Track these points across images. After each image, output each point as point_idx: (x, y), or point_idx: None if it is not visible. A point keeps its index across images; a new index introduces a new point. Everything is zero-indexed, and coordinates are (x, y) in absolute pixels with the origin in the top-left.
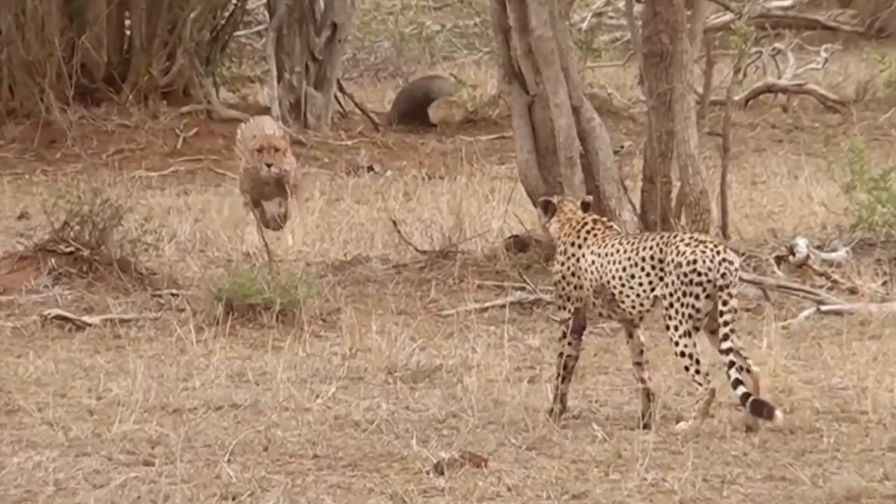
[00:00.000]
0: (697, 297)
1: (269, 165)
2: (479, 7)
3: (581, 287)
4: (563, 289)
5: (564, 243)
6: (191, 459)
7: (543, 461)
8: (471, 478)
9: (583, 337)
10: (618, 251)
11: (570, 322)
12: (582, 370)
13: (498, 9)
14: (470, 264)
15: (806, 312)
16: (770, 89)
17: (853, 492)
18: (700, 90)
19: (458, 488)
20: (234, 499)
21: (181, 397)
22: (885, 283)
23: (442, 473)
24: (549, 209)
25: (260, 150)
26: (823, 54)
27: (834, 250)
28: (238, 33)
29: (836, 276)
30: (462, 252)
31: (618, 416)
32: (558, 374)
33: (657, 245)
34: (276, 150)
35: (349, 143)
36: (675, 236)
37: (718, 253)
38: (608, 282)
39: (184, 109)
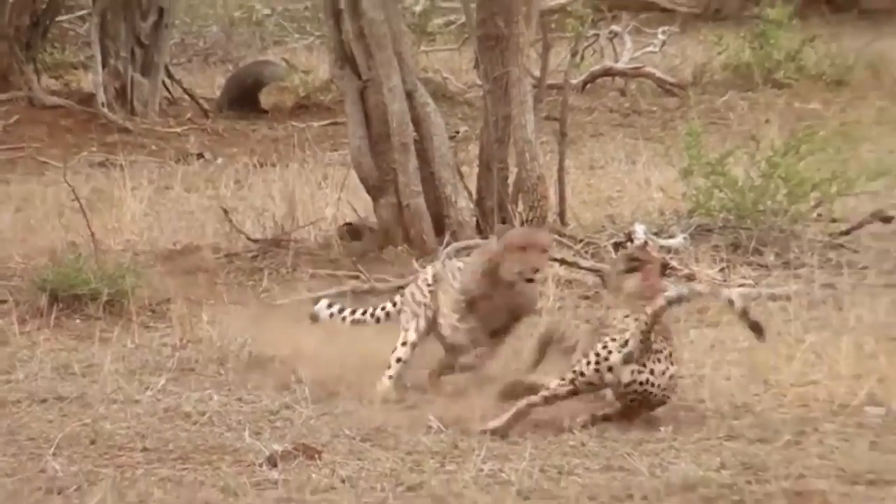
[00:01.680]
0: None
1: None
2: None
3: None
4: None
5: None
6: (14, 453)
7: (378, 452)
8: (304, 470)
9: None
10: None
11: None
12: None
13: None
14: (303, 253)
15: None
16: (607, 73)
17: (690, 481)
18: (537, 74)
19: (292, 480)
20: (59, 493)
21: (4, 390)
22: (722, 270)
23: (275, 465)
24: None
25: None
26: (661, 37)
27: (672, 236)
28: (60, 18)
29: (673, 263)
30: (295, 240)
31: (455, 407)
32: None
33: None
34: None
35: (178, 130)
36: None
37: None
38: None
39: (3, 97)
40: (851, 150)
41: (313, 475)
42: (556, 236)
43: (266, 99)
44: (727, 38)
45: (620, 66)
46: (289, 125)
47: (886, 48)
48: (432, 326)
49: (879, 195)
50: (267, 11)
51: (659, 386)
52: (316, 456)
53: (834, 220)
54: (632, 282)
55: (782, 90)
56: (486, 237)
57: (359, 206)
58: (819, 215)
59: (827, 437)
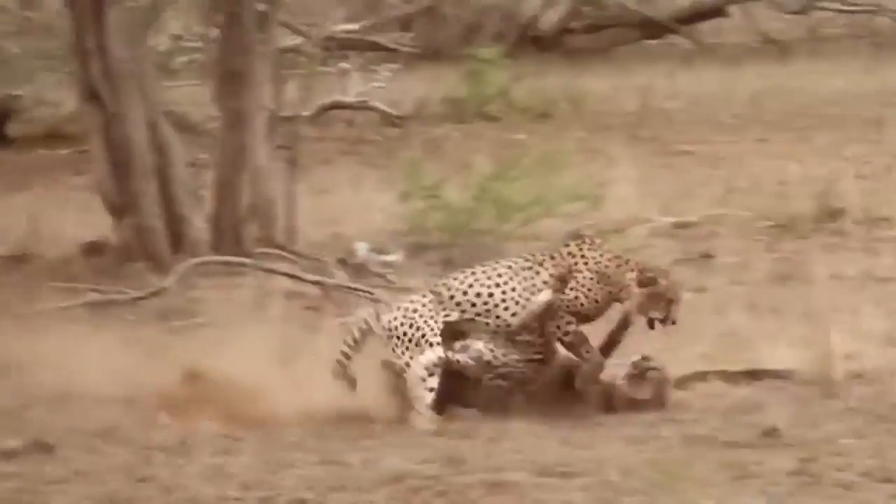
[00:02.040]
0: None
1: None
2: (59, 31)
3: None
4: None
5: None
6: None
7: (112, 448)
8: (39, 464)
9: None
10: None
11: None
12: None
13: (77, 33)
14: (46, 268)
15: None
16: (336, 106)
17: (399, 473)
18: (271, 107)
19: (27, 473)
20: None
21: None
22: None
23: (11, 459)
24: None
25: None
26: (385, 74)
27: (390, 253)
28: None
29: (391, 276)
30: (39, 257)
31: (184, 403)
32: None
33: None
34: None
35: None
36: None
37: None
38: None
39: None
40: (553, 176)
41: (48, 468)
42: (284, 253)
43: (14, 129)
44: (444, 75)
45: (348, 100)
46: (37, 153)
47: (586, 85)
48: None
49: (577, 216)
50: (17, 50)
51: None
52: (51, 451)
53: (537, 239)
54: None
55: (493, 122)
56: (221, 254)
57: (100, 225)
58: (523, 235)
59: (522, 434)
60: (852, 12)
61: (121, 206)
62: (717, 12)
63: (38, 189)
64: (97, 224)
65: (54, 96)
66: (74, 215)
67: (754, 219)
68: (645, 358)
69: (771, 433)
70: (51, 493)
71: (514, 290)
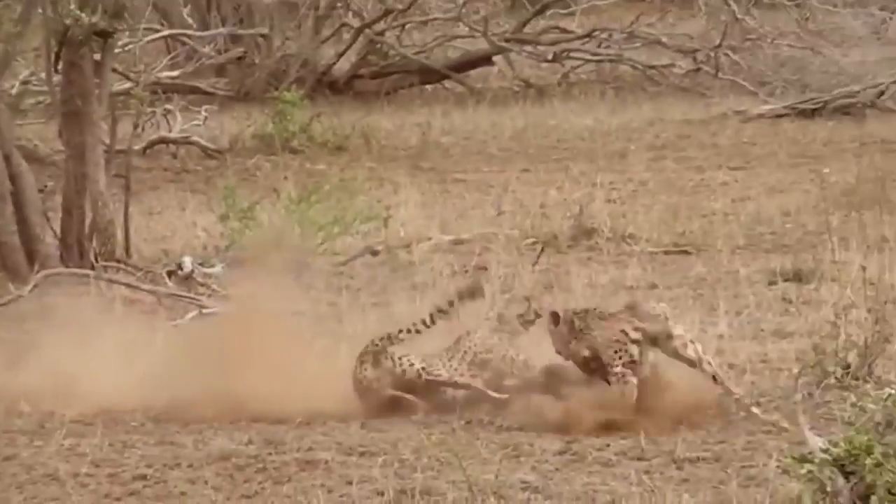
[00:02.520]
0: None
1: None
2: None
3: None
4: None
5: None
6: None
7: None
8: None
9: None
10: None
11: None
12: None
13: None
14: None
15: (191, 314)
16: (162, 140)
17: (225, 453)
18: (108, 141)
19: None
20: None
21: None
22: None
23: None
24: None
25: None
26: (204, 113)
27: (212, 266)
28: None
29: (214, 286)
30: None
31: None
32: None
33: None
34: None
35: None
36: None
37: None
38: None
39: None
40: (349, 200)
41: None
42: (122, 266)
43: None
44: (254, 114)
45: (172, 135)
46: None
47: (374, 122)
48: None
49: (370, 234)
50: None
51: None
52: None
53: (336, 254)
54: None
55: (297, 154)
56: (68, 267)
57: None
58: (324, 250)
59: (330, 419)
60: (599, 61)
61: None
62: (484, 61)
63: None
64: None
65: None
66: None
67: (521, 237)
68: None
69: None
70: None
71: None
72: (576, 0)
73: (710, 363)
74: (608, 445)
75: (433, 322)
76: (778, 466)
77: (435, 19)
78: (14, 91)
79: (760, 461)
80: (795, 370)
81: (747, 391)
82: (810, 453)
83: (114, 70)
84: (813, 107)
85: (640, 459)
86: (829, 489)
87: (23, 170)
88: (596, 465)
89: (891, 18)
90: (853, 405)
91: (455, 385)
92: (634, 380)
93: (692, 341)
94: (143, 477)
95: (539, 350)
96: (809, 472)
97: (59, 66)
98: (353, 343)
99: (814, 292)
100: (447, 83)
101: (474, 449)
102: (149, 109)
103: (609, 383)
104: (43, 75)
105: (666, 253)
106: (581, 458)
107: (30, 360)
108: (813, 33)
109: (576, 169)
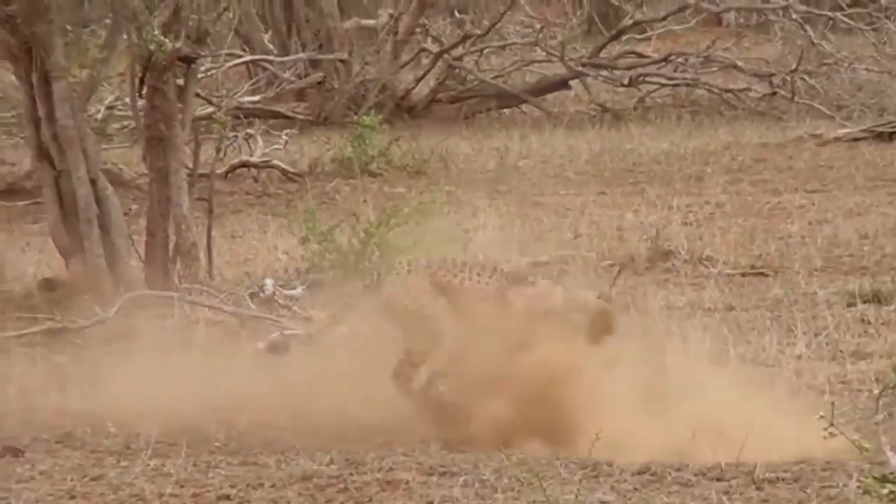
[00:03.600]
0: None
1: None
2: (15, 102)
3: None
4: None
5: None
6: None
7: (69, 452)
8: (10, 466)
9: None
10: None
11: None
12: None
13: (29, 104)
14: (9, 300)
15: (273, 335)
16: (244, 164)
17: (307, 473)
18: (191, 165)
19: (0, 472)
20: None
21: None
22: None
23: None
24: None
25: None
26: (284, 137)
27: (294, 288)
28: None
29: (295, 308)
30: (3, 291)
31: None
32: None
33: None
34: None
35: None
36: None
37: None
38: None
39: None
40: (428, 223)
41: (17, 469)
42: (205, 288)
43: None
44: (334, 138)
45: (254, 159)
46: None
47: (452, 145)
48: None
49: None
50: None
51: None
52: (19, 454)
53: None
54: None
55: (376, 178)
56: (152, 289)
57: (53, 264)
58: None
59: (412, 438)
60: (675, 85)
61: (70, 248)
62: (561, 85)
63: (1, 235)
64: (52, 264)
65: (12, 157)
66: (33, 256)
67: (598, 259)
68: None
69: None
70: (19, 490)
71: None
72: (651, 25)
73: None
74: (687, 465)
75: None
76: (859, 487)
77: (513, 44)
78: (100, 116)
79: (840, 481)
80: (875, 391)
81: (826, 412)
82: (891, 473)
83: (197, 95)
84: (891, 130)
85: (719, 480)
86: None
87: (108, 193)
88: (675, 486)
89: None
90: None
91: None
92: None
93: None
94: (227, 497)
95: None
96: (891, 492)
97: (143, 92)
98: None
99: (893, 314)
100: (524, 107)
101: (554, 469)
102: (231, 134)
103: None
104: (127, 100)
105: (743, 275)
106: (660, 478)
107: (115, 380)
108: (890, 57)
109: (652, 192)
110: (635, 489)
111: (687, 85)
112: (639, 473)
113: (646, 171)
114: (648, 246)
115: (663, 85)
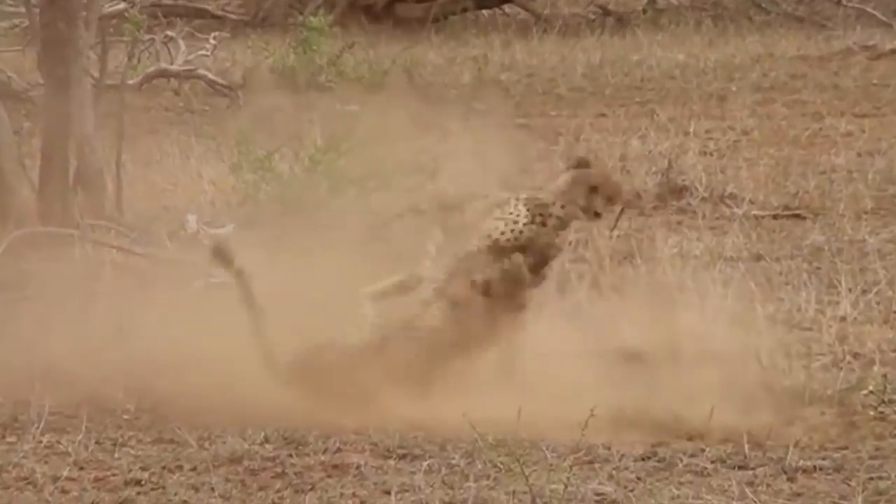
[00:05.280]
0: None
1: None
2: None
3: None
4: None
5: None
6: None
7: None
8: None
9: None
10: None
11: None
12: None
13: None
14: None
15: (197, 283)
16: (163, 74)
17: (236, 454)
18: (97, 74)
19: None
20: None
21: None
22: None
23: None
24: None
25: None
26: (212, 42)
27: (222, 226)
28: None
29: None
30: None
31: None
32: None
33: None
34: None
35: None
36: None
37: None
38: None
39: None
40: (388, 149)
41: None
42: (113, 225)
43: None
44: (274, 43)
45: (174, 68)
46: None
47: (419, 54)
48: None
49: (413, 190)
50: None
51: None
52: None
53: (371, 213)
54: None
55: (324, 93)
56: (47, 225)
57: None
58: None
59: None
60: None
61: None
62: None
63: None
64: None
65: None
66: None
67: None
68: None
69: None
70: None
71: None
72: None
73: None
74: (702, 451)
75: None
76: None
77: None
78: None
79: (893, 471)
80: None
81: (877, 385)
82: None
83: None
84: None
85: (741, 468)
86: None
87: None
88: (687, 475)
89: None
90: None
91: None
92: None
93: None
94: (137, 482)
95: None
96: None
97: None
98: None
99: None
100: (507, 8)
101: (538, 452)
102: (146, 36)
103: None
104: None
105: (775, 217)
106: (669, 465)
107: (3, 338)
108: None
109: (663, 114)
110: (638, 478)
111: None
112: (643, 459)
113: (656, 89)
114: (658, 180)
115: None
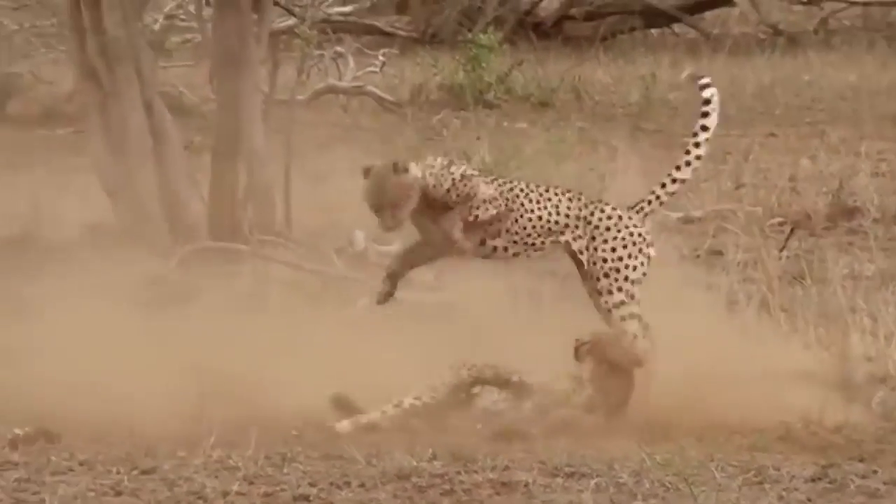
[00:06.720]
0: None
1: None
2: (55, 8)
3: None
4: None
5: None
6: None
7: (115, 438)
8: (44, 453)
9: None
10: None
11: None
12: None
13: (73, 10)
14: (48, 248)
15: (363, 300)
16: (332, 90)
17: (404, 470)
18: (266, 90)
19: (32, 462)
20: None
21: None
22: (436, 276)
23: (16, 448)
24: None
25: None
26: (381, 58)
27: (389, 243)
28: None
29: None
30: (39, 239)
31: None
32: None
33: None
34: None
35: None
36: None
37: None
38: None
39: None
40: (555, 166)
41: (53, 458)
42: (282, 240)
43: (13, 107)
44: (442, 60)
45: (343, 84)
46: (35, 132)
47: (587, 73)
48: None
49: None
50: (15, 27)
51: None
52: (55, 440)
53: None
54: None
55: (492, 110)
56: (217, 240)
57: (100, 204)
58: None
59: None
60: (866, 4)
61: (117, 187)
62: (722, 1)
63: (38, 170)
64: (97, 206)
65: (50, 74)
66: (75, 197)
67: (765, 215)
68: None
69: None
70: (54, 483)
71: None
72: None
73: None
74: (875, 472)
75: None
76: None
77: None
78: (157, 27)
79: None
80: None
81: None
82: None
83: (276, 4)
84: None
85: None
86: None
87: (166, 122)
88: (859, 496)
89: None
90: None
91: None
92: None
93: None
94: (305, 498)
95: None
96: None
97: None
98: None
99: None
100: (676, 27)
101: (707, 472)
102: (316, 52)
103: None
104: (191, 9)
105: None
106: (840, 486)
107: (173, 354)
108: None
109: (834, 135)
110: (809, 499)
111: (882, 3)
112: (813, 480)
113: (827, 109)
114: (829, 201)
115: (852, 3)
